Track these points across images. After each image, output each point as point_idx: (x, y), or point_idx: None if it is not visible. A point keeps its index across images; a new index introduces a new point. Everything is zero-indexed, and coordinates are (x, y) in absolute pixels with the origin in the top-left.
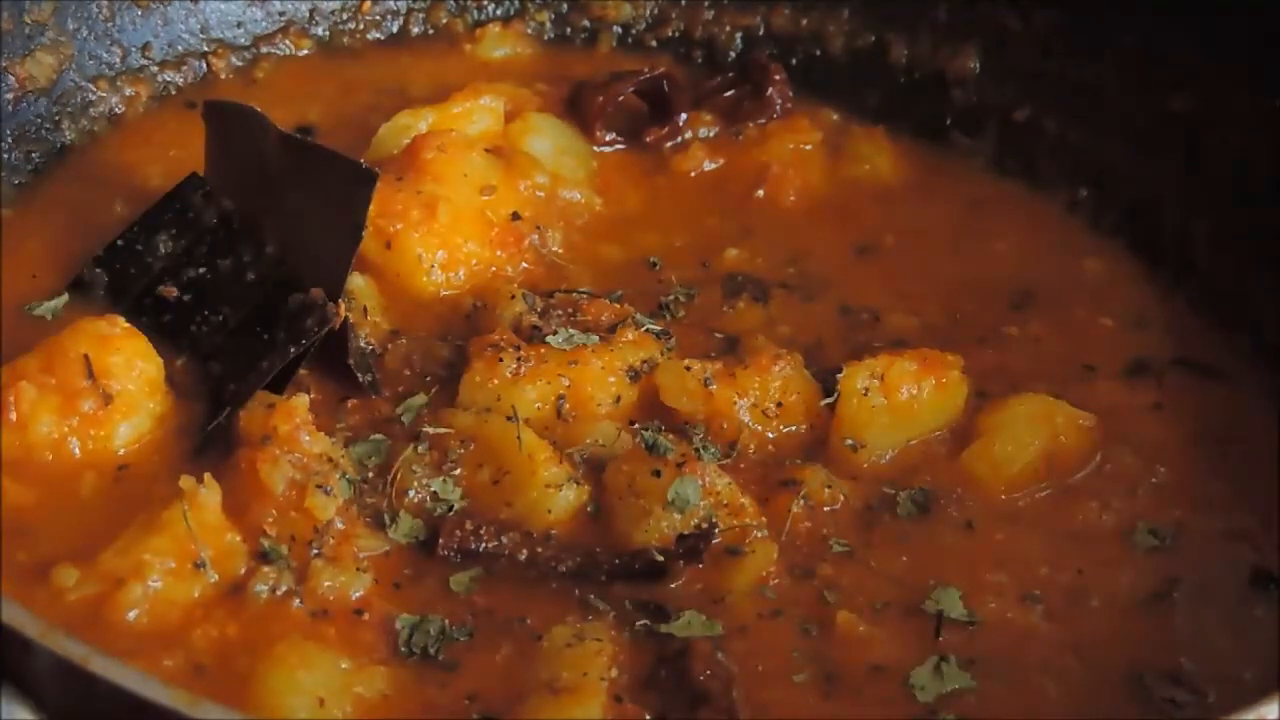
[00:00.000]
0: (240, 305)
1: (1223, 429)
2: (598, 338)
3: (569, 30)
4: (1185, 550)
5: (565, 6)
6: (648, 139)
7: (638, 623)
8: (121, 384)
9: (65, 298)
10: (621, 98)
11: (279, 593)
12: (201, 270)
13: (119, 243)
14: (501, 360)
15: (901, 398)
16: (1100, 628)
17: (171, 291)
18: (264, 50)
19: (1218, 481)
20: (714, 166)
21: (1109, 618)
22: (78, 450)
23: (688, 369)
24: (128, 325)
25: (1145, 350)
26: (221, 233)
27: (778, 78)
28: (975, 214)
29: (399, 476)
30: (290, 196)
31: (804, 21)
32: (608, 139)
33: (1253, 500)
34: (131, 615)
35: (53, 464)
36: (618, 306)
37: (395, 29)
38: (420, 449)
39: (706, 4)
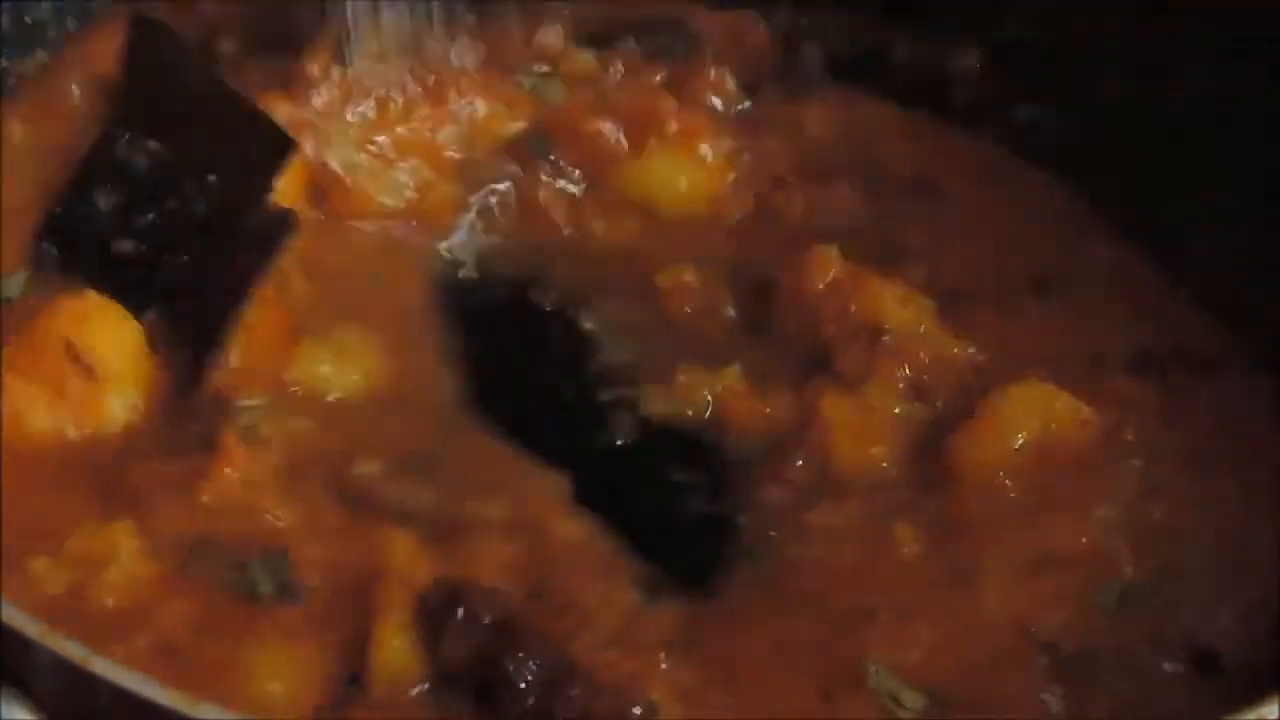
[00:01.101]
0: (198, 240)
1: (1223, 429)
2: None
3: None
4: (1185, 550)
5: None
6: None
7: None
8: (105, 358)
9: (26, 273)
10: None
11: None
12: (150, 216)
13: (57, 211)
14: None
15: (900, 394)
16: (1099, 627)
17: (126, 246)
18: None
19: (1218, 481)
20: None
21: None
22: (72, 434)
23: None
24: (100, 297)
25: (1146, 349)
26: (158, 174)
27: None
28: (975, 213)
29: None
30: (208, 137)
31: (804, 21)
32: None
33: (1253, 501)
34: (108, 600)
35: (44, 451)
36: None
37: None
38: None
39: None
